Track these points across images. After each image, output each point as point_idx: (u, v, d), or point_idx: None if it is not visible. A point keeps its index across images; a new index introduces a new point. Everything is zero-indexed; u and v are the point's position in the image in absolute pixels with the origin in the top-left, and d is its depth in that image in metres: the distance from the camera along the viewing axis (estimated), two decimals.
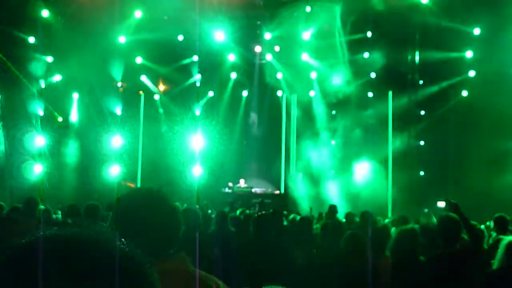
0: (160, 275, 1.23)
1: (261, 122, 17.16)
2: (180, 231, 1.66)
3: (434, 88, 14.94)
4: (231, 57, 16.02)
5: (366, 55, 15.20)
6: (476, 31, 14.08)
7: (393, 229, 4.75)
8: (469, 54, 14.61)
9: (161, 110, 16.57)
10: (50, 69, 14.35)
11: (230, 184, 15.68)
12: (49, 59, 14.31)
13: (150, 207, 1.60)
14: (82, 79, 14.29)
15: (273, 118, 16.73)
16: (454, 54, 14.39)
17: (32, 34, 13.78)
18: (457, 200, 3.82)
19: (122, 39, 14.77)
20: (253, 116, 17.12)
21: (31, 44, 13.84)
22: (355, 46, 14.71)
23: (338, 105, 15.66)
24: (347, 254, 4.22)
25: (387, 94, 14.99)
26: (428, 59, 14.35)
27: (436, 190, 13.09)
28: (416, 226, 4.31)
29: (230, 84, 16.59)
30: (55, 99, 14.47)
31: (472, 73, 14.64)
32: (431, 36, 13.99)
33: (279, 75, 16.19)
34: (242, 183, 15.71)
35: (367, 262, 4.13)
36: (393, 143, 15.05)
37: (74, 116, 15.45)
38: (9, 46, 12.92)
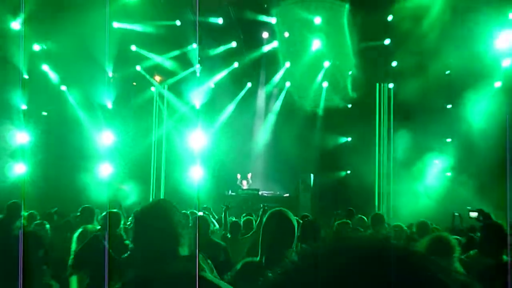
0: (170, 276, 1.96)
1: (267, 116, 17.08)
2: (182, 238, 2.10)
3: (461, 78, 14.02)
4: (234, 44, 15.69)
5: (387, 41, 14.78)
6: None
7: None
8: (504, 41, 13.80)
9: (157, 103, 16.43)
10: (35, 58, 14.14)
11: (239, 175, 15.76)
12: (35, 47, 14.13)
13: (156, 217, 2.11)
14: (70, 69, 14.15)
15: (281, 112, 16.64)
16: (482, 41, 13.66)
17: (17, 20, 13.54)
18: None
19: (114, 25, 14.54)
20: (260, 109, 17.05)
21: (15, 30, 13.59)
22: (374, 31, 14.26)
23: (354, 97, 15.46)
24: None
25: (409, 85, 14.15)
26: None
27: (465, 192, 12.85)
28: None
29: (233, 74, 16.37)
30: (40, 91, 14.25)
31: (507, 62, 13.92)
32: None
33: (288, 64, 15.91)
34: (245, 184, 15.58)
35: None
36: (410, 140, 14.53)
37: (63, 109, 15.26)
38: None
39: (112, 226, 4.82)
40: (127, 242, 4.81)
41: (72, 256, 4.58)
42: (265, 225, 2.88)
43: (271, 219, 2.88)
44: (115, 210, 5.66)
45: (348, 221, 6.35)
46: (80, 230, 5.47)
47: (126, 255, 3.75)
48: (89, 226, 5.66)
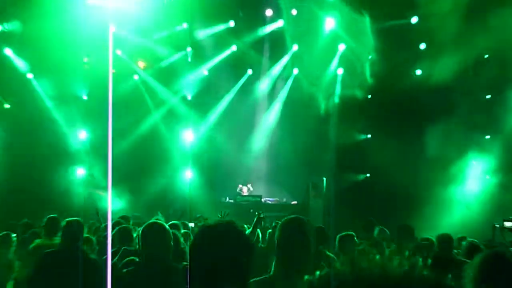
0: None
1: (270, 108, 16.41)
2: (247, 263, 1.99)
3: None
4: (232, 24, 15.04)
5: (414, 20, 13.80)
6: None
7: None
8: None
9: (140, 94, 15.81)
10: None
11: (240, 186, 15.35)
12: None
13: (219, 244, 1.97)
14: (38, 54, 13.79)
15: (287, 104, 15.98)
16: None
17: None
18: None
19: (89, 1, 13.72)
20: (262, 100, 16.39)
21: None
22: (398, 8, 13.37)
23: (374, 86, 14.55)
24: None
25: (440, 71, 13.25)
26: None
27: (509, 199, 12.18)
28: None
29: (231, 59, 15.72)
30: (2, 80, 14.15)
31: None
32: None
33: (295, 47, 15.21)
34: (245, 190, 14.98)
35: None
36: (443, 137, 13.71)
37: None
38: None
39: (72, 240, 4.58)
40: (92, 256, 4.72)
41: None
42: (281, 235, 2.81)
43: (287, 228, 2.81)
44: (75, 218, 5.28)
45: (353, 233, 6.05)
46: (34, 244, 5.45)
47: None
48: (38, 241, 5.59)
